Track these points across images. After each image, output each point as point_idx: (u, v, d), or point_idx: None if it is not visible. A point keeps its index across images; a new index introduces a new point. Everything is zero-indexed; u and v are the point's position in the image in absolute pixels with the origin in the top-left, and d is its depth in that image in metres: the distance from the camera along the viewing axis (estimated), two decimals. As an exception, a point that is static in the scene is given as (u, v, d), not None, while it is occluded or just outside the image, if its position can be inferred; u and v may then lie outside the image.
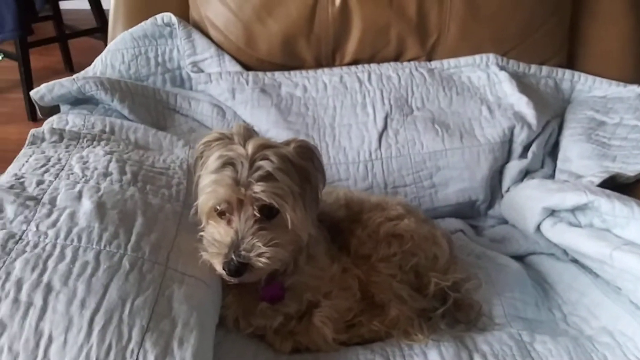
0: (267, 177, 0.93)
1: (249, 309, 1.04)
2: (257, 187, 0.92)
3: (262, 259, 0.93)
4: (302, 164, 0.99)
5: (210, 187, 0.94)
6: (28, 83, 3.25)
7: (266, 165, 0.93)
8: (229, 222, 0.96)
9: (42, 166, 1.07)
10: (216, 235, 0.95)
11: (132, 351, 0.80)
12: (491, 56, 1.71)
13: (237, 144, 0.97)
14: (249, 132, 1.01)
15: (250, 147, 0.95)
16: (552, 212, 1.32)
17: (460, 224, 1.56)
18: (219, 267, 0.94)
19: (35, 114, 3.16)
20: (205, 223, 0.99)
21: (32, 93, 1.46)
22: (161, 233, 0.98)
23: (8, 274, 0.83)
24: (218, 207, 0.96)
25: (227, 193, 0.93)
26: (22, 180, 1.01)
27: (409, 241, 1.17)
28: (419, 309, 1.14)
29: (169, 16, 1.65)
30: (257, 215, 0.94)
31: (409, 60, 1.72)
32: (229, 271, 0.93)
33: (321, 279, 1.08)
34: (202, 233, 0.98)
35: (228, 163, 0.94)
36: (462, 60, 1.71)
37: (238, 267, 0.92)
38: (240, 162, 0.93)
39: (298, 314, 1.07)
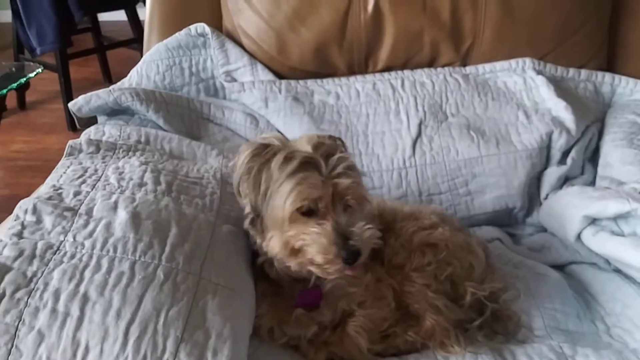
0: (348, 169, 0.97)
1: (283, 318, 1.04)
2: (346, 181, 0.96)
3: (373, 240, 0.97)
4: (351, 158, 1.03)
5: (296, 189, 0.94)
6: (68, 94, 3.33)
7: (343, 159, 0.97)
8: (322, 217, 0.96)
9: (79, 177, 1.09)
10: (316, 232, 0.95)
11: (167, 361, 0.81)
12: (527, 60, 1.68)
13: (290, 146, 0.99)
14: (283, 137, 1.04)
15: (308, 147, 0.98)
16: (593, 221, 1.28)
17: (497, 232, 1.53)
18: (335, 260, 0.95)
19: (75, 124, 3.23)
20: (286, 227, 0.97)
21: (70, 105, 1.49)
22: (195, 243, 0.98)
23: (46, 284, 0.84)
24: (305, 208, 0.96)
25: (319, 190, 0.95)
26: (60, 191, 1.03)
27: (444, 250, 1.16)
28: (455, 320, 1.12)
29: (202, 26, 1.67)
30: (349, 205, 0.97)
31: (443, 66, 1.71)
32: (348, 259, 0.94)
33: (357, 286, 1.07)
34: (289, 234, 0.97)
35: (305, 162, 0.95)
36: (498, 65, 1.69)
37: (356, 253, 0.94)
38: (316, 160, 0.96)
39: (332, 323, 1.06)
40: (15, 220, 0.94)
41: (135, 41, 3.66)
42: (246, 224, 1.03)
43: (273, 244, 0.98)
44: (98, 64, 3.90)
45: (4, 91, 2.01)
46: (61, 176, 1.10)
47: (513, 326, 1.15)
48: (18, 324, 0.80)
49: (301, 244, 0.96)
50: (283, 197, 0.95)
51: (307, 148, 0.97)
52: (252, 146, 1.01)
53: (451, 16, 1.65)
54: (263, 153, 0.99)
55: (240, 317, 0.94)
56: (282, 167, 0.95)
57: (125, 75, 1.70)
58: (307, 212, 0.96)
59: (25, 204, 0.97)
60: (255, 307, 1.02)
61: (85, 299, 0.83)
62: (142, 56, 1.72)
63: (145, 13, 1.80)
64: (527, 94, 1.64)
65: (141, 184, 1.08)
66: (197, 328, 0.86)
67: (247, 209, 1.03)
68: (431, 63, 1.71)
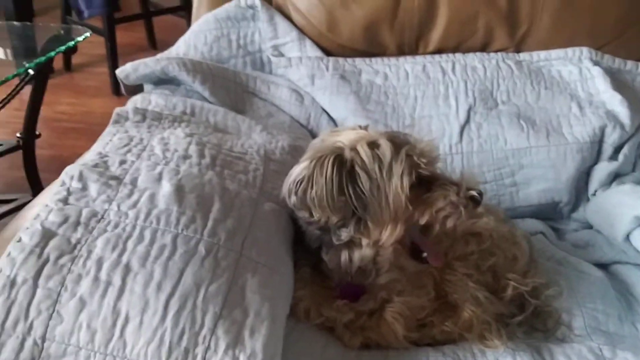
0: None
1: (322, 301, 1.03)
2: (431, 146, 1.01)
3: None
4: None
5: (407, 162, 0.96)
6: (113, 58, 3.36)
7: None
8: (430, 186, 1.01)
9: (125, 145, 1.09)
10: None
11: (205, 337, 0.81)
12: (585, 50, 1.62)
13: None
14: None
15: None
16: (644, 221, 1.24)
17: (541, 225, 1.49)
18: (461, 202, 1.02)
19: (119, 88, 3.25)
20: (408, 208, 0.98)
21: (117, 72, 1.49)
22: (237, 219, 0.97)
23: (90, 252, 0.85)
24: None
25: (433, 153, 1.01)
26: (105, 159, 1.03)
27: (488, 240, 1.14)
28: (495, 313, 1.10)
29: (252, -2, 1.65)
30: None
31: (496, 51, 1.66)
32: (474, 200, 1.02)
33: (399, 280, 1.06)
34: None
35: (391, 140, 0.98)
36: (554, 53, 1.64)
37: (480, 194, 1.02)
38: (400, 135, 1.02)
39: (370, 310, 1.05)
40: (61, 186, 0.94)
41: (181, 9, 3.66)
42: (346, 234, 0.98)
43: (389, 235, 0.96)
44: (144, 30, 3.91)
45: (53, 53, 2.02)
46: (107, 144, 1.10)
47: (553, 324, 1.13)
48: (60, 290, 0.81)
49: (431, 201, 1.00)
50: (397, 176, 0.94)
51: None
52: (329, 158, 0.95)
53: (508, 0, 1.59)
54: (340, 160, 0.95)
55: (279, 297, 0.94)
56: (379, 155, 0.95)
57: (170, 43, 1.70)
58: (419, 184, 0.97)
59: (71, 170, 0.97)
60: (295, 289, 1.01)
61: (127, 269, 0.84)
62: (188, 24, 1.72)
63: (194, -19, 1.78)
64: (581, 84, 1.59)
65: (186, 156, 1.07)
66: (236, 306, 0.85)
67: (335, 220, 0.97)
68: (484, 48, 1.66)
